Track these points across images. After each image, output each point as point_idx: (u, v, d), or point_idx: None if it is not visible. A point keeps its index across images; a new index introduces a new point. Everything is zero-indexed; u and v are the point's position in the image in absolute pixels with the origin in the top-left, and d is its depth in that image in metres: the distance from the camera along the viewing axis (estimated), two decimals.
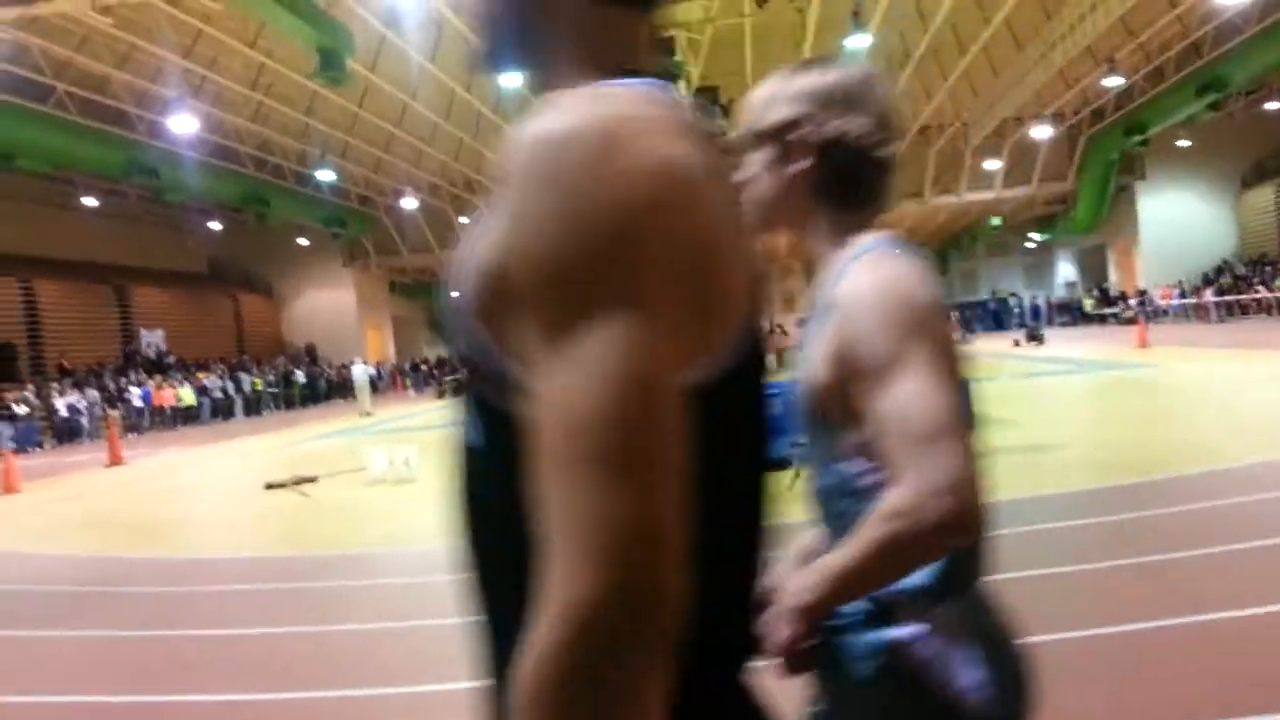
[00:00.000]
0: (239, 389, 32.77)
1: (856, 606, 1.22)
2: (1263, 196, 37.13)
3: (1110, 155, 35.34)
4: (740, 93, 26.92)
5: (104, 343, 32.16)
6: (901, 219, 43.25)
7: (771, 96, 1.39)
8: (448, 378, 23.78)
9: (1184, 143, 35.88)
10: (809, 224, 1.39)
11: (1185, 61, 28.74)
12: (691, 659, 0.67)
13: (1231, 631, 3.88)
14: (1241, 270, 35.91)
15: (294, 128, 27.69)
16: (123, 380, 28.84)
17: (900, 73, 26.58)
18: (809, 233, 1.40)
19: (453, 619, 5.17)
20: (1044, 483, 7.39)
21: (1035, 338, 30.91)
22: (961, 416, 1.14)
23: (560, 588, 0.61)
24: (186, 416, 29.46)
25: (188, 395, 29.85)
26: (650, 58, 0.87)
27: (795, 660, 1.17)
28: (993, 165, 37.14)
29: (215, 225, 38.04)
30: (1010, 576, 4.87)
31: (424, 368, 42.98)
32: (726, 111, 23.98)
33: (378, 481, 11.03)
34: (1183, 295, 36.93)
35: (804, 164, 1.34)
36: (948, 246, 54.74)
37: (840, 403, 1.23)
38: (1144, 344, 22.41)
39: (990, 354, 27.54)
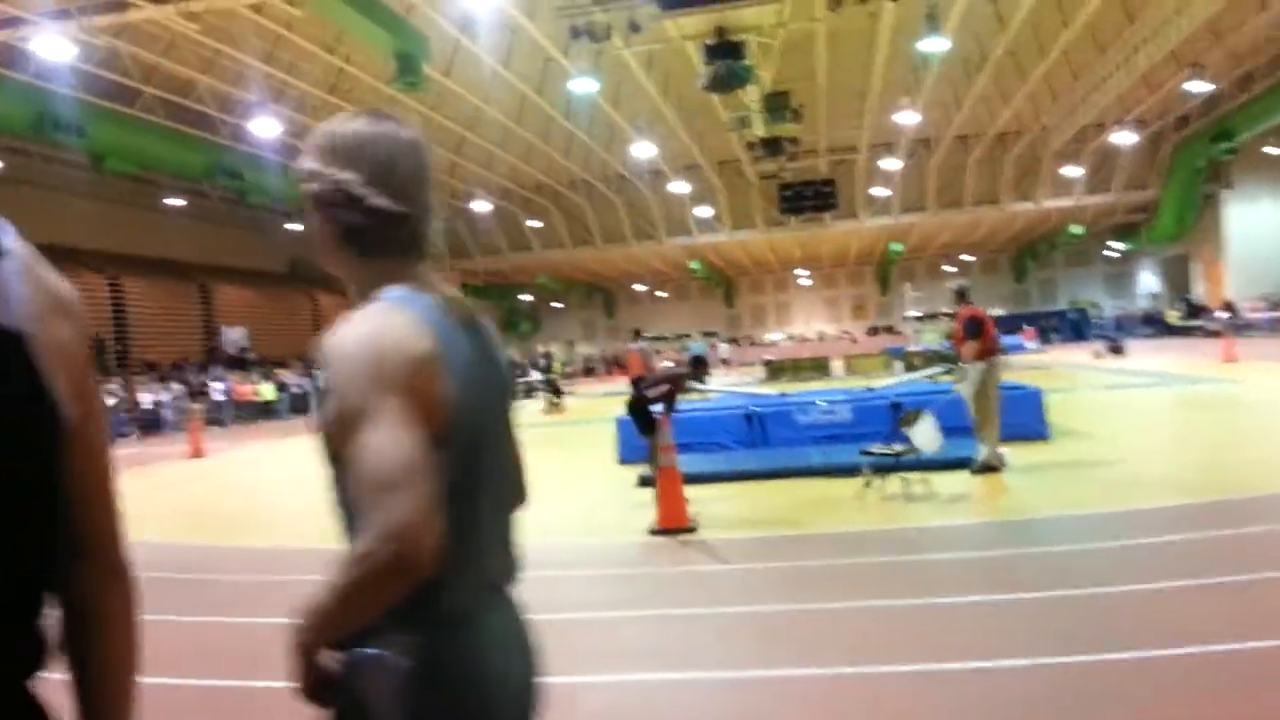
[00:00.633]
0: (316, 385, 33.49)
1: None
2: None
3: (1196, 162, 34.23)
4: (812, 98, 26.82)
5: (188, 339, 33.23)
6: (978, 224, 42.54)
7: (304, 148, 1.46)
8: (519, 379, 24.01)
9: (1273, 150, 34.60)
10: (344, 275, 1.47)
11: (1276, 66, 27.74)
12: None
13: None
14: None
15: None
16: (205, 375, 29.73)
17: (977, 76, 26.14)
18: (348, 283, 1.47)
19: (531, 614, 5.25)
20: (1122, 498, 7.22)
21: (1116, 349, 30.11)
22: (420, 466, 1.19)
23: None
24: (266, 411, 30.26)
25: (267, 391, 30.66)
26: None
27: (314, 693, 1.30)
28: (1073, 172, 36.28)
29: (296, 226, 39.02)
30: (1089, 592, 4.77)
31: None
32: (798, 116, 23.85)
33: None
34: (1272, 308, 35.58)
35: (318, 217, 1.42)
36: (1025, 254, 53.62)
37: (334, 447, 1.29)
38: (1230, 358, 21.64)
39: (1068, 365, 26.87)
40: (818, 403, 11.37)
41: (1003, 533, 6.59)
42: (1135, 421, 13.27)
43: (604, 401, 24.80)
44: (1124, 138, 32.17)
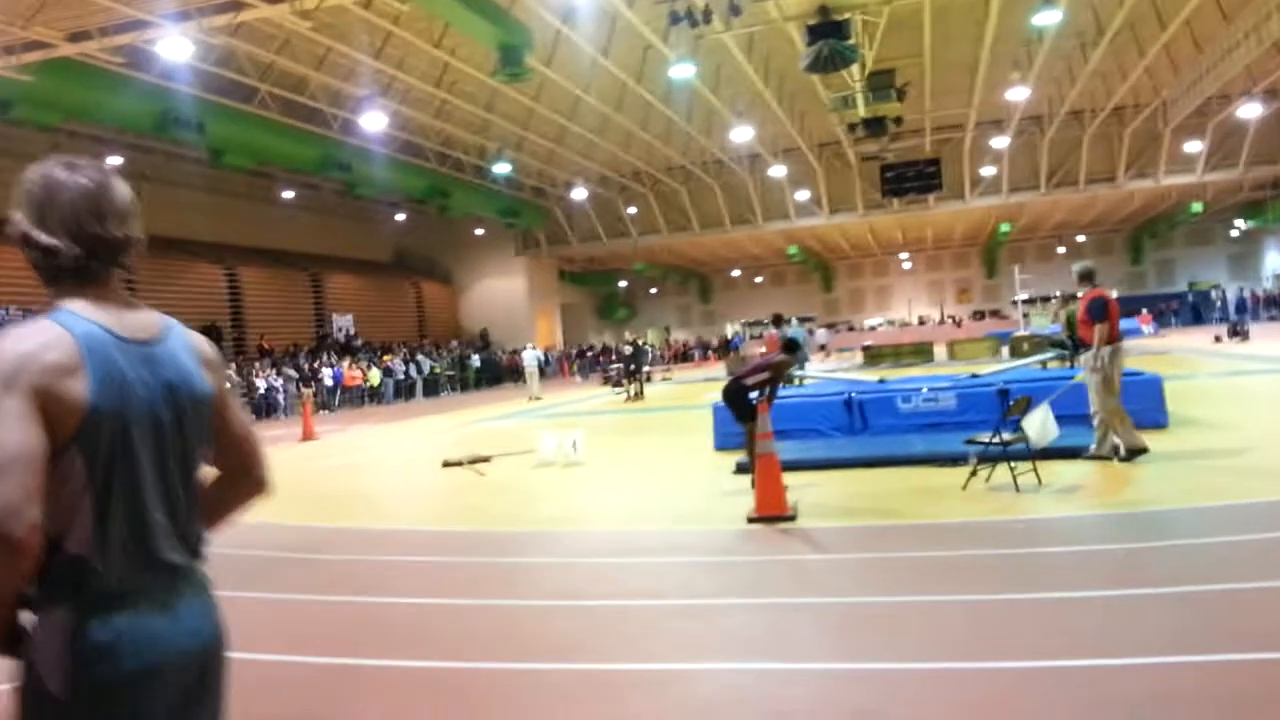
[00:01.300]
0: (419, 371, 34.46)
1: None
2: None
3: None
4: (918, 75, 26.11)
5: (299, 326, 34.50)
6: (1092, 203, 40.91)
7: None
8: (614, 365, 24.20)
9: None
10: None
11: None
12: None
13: None
14: None
15: (474, 123, 28.78)
16: (316, 361, 30.83)
17: (1092, 50, 25.05)
18: None
19: (627, 600, 5.29)
20: (1247, 490, 6.86)
21: (1239, 333, 28.59)
22: (24, 458, 1.43)
23: None
24: (372, 396, 31.22)
25: (374, 376, 31.62)
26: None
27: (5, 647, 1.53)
28: (1194, 147, 34.48)
29: (400, 216, 40.13)
30: (1210, 589, 4.55)
31: (590, 354, 43.91)
32: (902, 95, 23.26)
33: (547, 464, 11.37)
34: None
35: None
36: (1142, 234, 51.40)
37: None
38: None
39: (1187, 350, 25.65)
40: (922, 389, 11.11)
41: (1119, 525, 6.33)
42: (1260, 410, 12.58)
43: (700, 388, 24.77)
44: (1251, 110, 30.40)
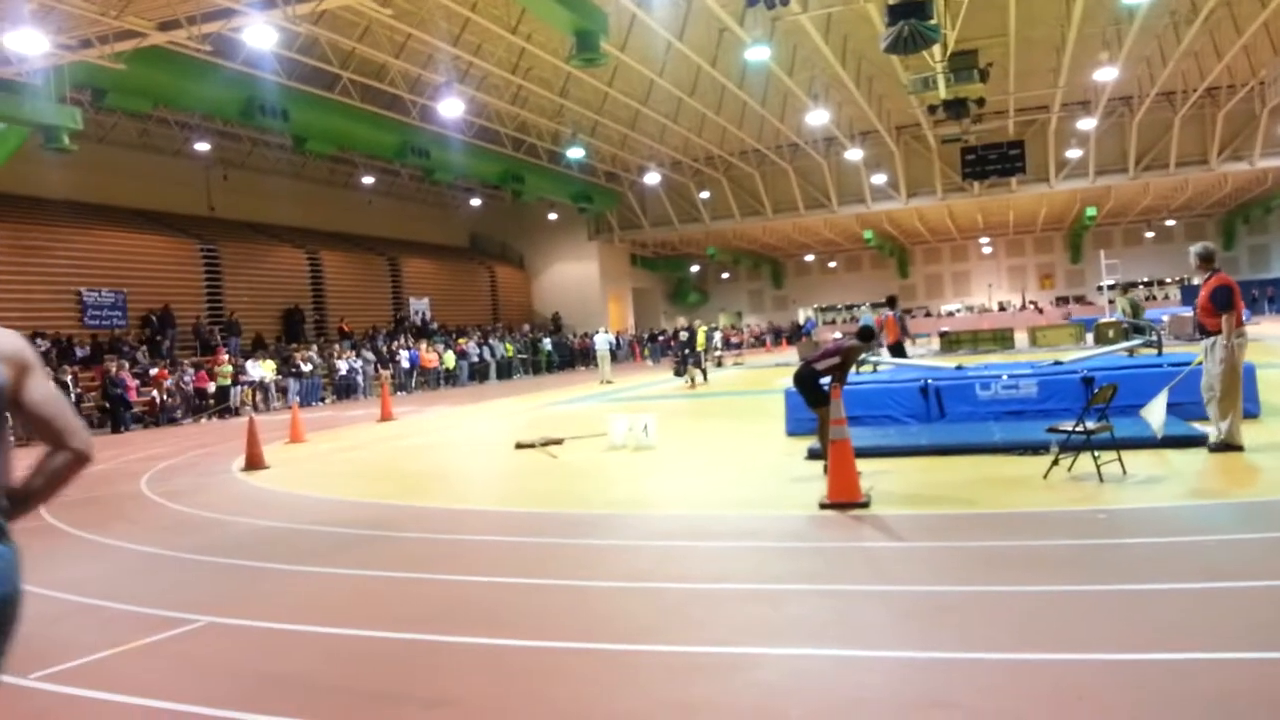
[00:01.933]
0: (493, 354, 34.90)
1: None
2: None
3: None
4: (1001, 56, 25.40)
5: (378, 309, 35.21)
6: (1183, 187, 39.48)
7: None
8: (684, 351, 24.17)
9: None
10: None
11: None
12: None
13: None
14: None
15: (549, 108, 28.93)
16: (393, 343, 31.45)
17: (1185, 28, 24.08)
18: None
19: (696, 583, 5.29)
20: None
21: None
22: None
23: None
24: (447, 378, 31.74)
25: (449, 359, 32.14)
26: None
27: None
28: None
29: (475, 201, 40.62)
30: None
31: (662, 338, 43.91)
32: (985, 76, 22.68)
33: (618, 447, 11.42)
34: None
35: None
36: (1235, 218, 49.48)
37: None
38: None
39: None
40: (1002, 376, 10.85)
41: (1206, 516, 6.11)
42: None
43: (771, 373, 24.59)
44: None
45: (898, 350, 19.01)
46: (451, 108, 23.89)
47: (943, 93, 23.62)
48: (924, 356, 24.34)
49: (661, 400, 19.34)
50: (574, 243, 44.35)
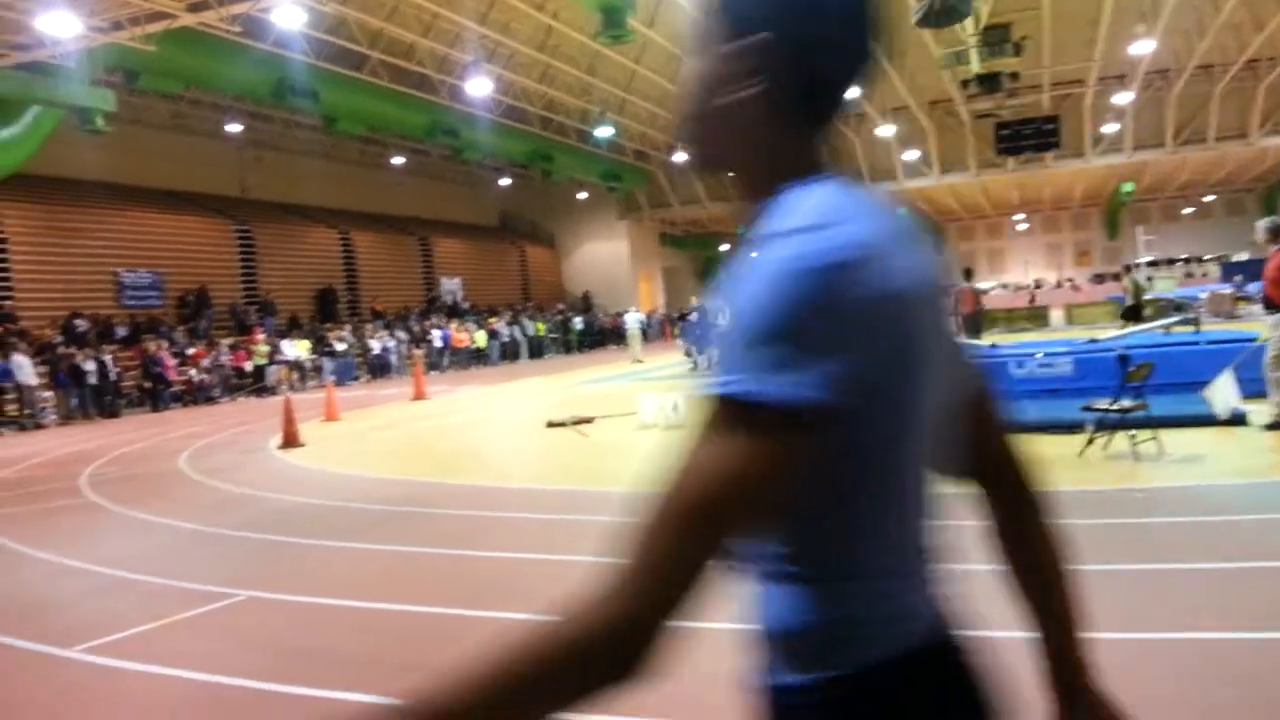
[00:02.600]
0: (524, 333, 35.04)
1: None
2: None
3: None
4: (1035, 29, 24.98)
5: (410, 289, 35.42)
6: (1222, 161, 38.72)
7: None
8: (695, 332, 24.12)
9: None
10: None
11: None
12: None
13: None
14: None
15: (577, 87, 28.84)
16: (425, 323, 31.65)
17: (1225, 0, 23.54)
18: None
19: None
20: None
21: None
22: None
23: None
24: (478, 357, 31.92)
25: (480, 338, 32.31)
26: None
27: None
28: None
29: (505, 181, 40.65)
30: None
31: (692, 318, 43.81)
32: (1019, 50, 22.33)
33: (648, 426, 11.44)
34: None
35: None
36: (1276, 193, 48.36)
37: None
38: None
39: None
40: (1037, 354, 10.74)
41: (1242, 496, 6.03)
42: None
43: None
44: None
45: (973, 322, 19.18)
46: (480, 86, 23.88)
47: (976, 67, 23.30)
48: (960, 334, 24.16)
49: (692, 379, 19.34)
50: (604, 222, 44.29)
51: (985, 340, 17.78)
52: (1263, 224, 8.39)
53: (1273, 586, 4.22)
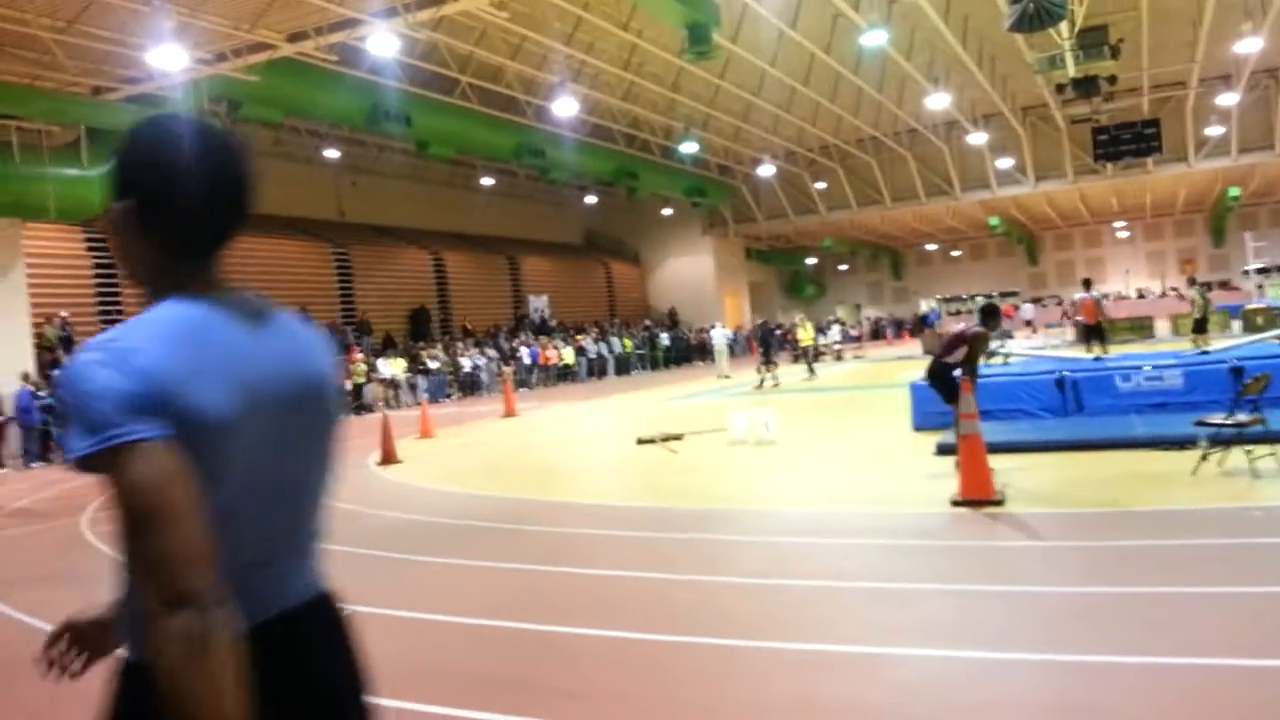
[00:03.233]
0: (610, 350, 35.26)
1: None
2: None
3: None
4: (1134, 31, 24.20)
5: (499, 307, 36.00)
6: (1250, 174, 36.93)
7: None
8: (819, 344, 23.91)
9: None
10: None
11: None
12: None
13: None
14: None
15: (660, 103, 28.99)
16: (514, 340, 32.11)
17: None
18: None
19: (822, 580, 5.24)
20: None
21: None
22: None
23: None
24: (566, 374, 32.23)
25: (568, 355, 32.64)
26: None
27: None
28: None
29: (590, 199, 41.06)
30: None
31: (780, 332, 43.51)
32: (1117, 52, 21.65)
33: (739, 443, 11.38)
34: None
35: None
36: None
37: None
38: None
39: None
40: (1144, 367, 10.35)
41: None
42: None
43: (893, 366, 24.07)
44: None
45: (1095, 332, 18.70)
46: (565, 107, 24.19)
47: (1071, 71, 22.63)
48: (1058, 347, 23.44)
49: (780, 395, 19.17)
50: (688, 238, 44.32)
51: (1100, 351, 17.26)
52: None
53: None
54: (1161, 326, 30.41)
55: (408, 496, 9.62)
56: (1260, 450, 6.97)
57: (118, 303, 23.22)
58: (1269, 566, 4.88)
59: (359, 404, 24.69)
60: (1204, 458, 7.20)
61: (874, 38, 20.27)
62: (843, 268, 58.81)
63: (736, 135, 33.48)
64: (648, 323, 41.60)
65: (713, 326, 31.43)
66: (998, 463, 7.32)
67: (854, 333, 46.96)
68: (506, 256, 37.39)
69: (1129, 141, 31.71)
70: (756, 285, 50.38)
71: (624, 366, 35.43)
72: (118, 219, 1.38)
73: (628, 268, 45.41)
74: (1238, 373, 9.52)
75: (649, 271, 46.34)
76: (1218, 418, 7.14)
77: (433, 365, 27.65)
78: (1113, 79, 23.48)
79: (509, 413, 19.02)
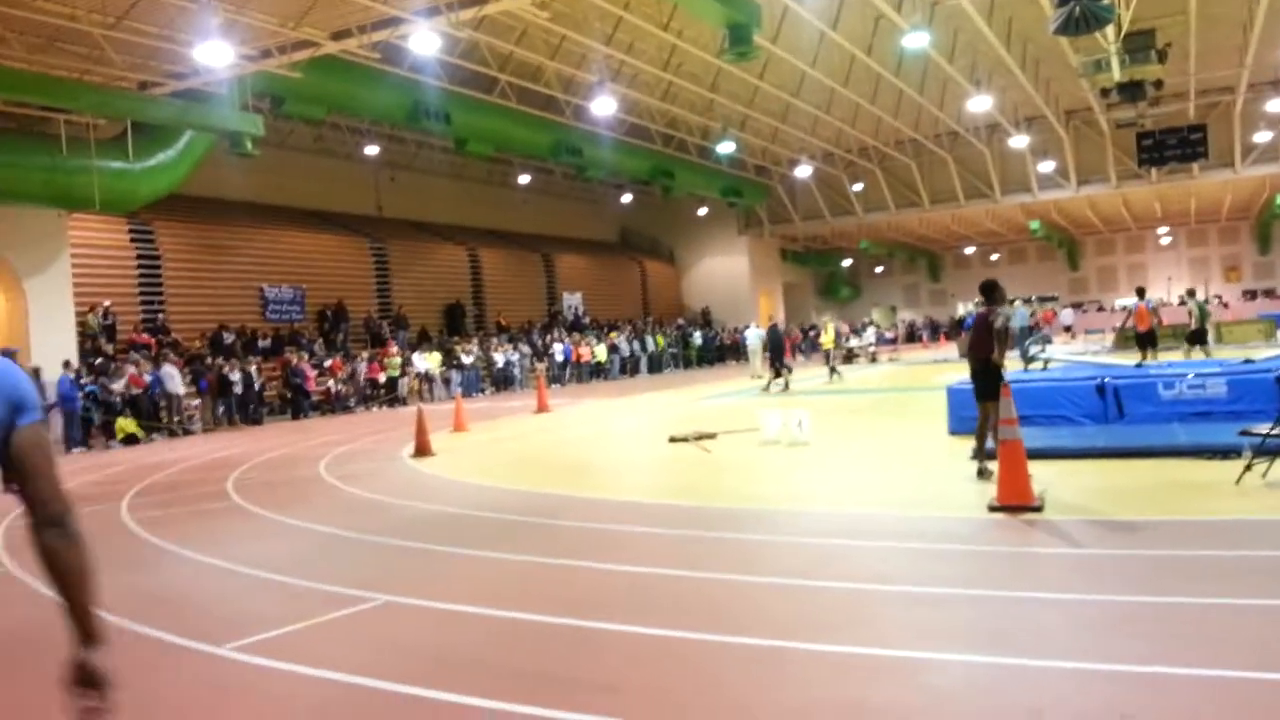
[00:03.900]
0: (643, 348, 35.26)
1: None
2: None
3: None
4: (1182, 35, 23.79)
5: (533, 304, 36.15)
6: None
7: None
8: (842, 346, 23.71)
9: None
10: None
11: None
12: None
13: None
14: None
15: (699, 103, 28.93)
16: (548, 337, 32.22)
17: None
18: None
19: (858, 583, 5.20)
20: None
21: None
22: None
23: None
24: (598, 371, 32.28)
25: (601, 352, 32.69)
26: None
27: None
28: None
29: (626, 198, 41.07)
30: None
31: (812, 333, 43.26)
32: (1163, 56, 21.30)
33: (771, 442, 11.33)
34: None
35: None
36: None
37: None
38: None
39: None
40: (1188, 374, 10.17)
41: None
42: None
43: (929, 369, 23.87)
44: None
45: (1149, 339, 18.82)
46: (604, 106, 24.21)
47: (1117, 75, 22.29)
48: (1098, 353, 23.13)
49: (813, 396, 19.06)
50: (724, 237, 44.22)
51: (1150, 358, 17.04)
52: None
53: None
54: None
55: (439, 488, 9.68)
56: None
57: (159, 292, 23.59)
58: None
59: (393, 397, 24.89)
60: (1248, 468, 7.06)
61: (916, 39, 20.11)
62: (879, 269, 58.40)
63: (774, 136, 33.34)
64: (681, 321, 41.57)
65: (747, 327, 31.34)
66: (1036, 469, 7.23)
67: (889, 335, 46.60)
68: (542, 254, 37.52)
69: (1174, 146, 31.21)
70: (791, 286, 50.15)
71: (656, 365, 35.45)
72: None
73: (662, 266, 45.40)
74: None
75: (683, 270, 46.30)
76: (1263, 428, 7.00)
77: (466, 360, 27.82)
78: (1159, 83, 23.10)
79: (541, 408, 19.08)
